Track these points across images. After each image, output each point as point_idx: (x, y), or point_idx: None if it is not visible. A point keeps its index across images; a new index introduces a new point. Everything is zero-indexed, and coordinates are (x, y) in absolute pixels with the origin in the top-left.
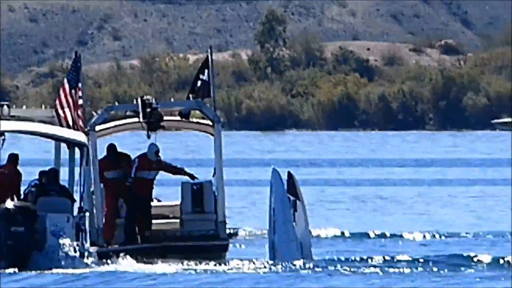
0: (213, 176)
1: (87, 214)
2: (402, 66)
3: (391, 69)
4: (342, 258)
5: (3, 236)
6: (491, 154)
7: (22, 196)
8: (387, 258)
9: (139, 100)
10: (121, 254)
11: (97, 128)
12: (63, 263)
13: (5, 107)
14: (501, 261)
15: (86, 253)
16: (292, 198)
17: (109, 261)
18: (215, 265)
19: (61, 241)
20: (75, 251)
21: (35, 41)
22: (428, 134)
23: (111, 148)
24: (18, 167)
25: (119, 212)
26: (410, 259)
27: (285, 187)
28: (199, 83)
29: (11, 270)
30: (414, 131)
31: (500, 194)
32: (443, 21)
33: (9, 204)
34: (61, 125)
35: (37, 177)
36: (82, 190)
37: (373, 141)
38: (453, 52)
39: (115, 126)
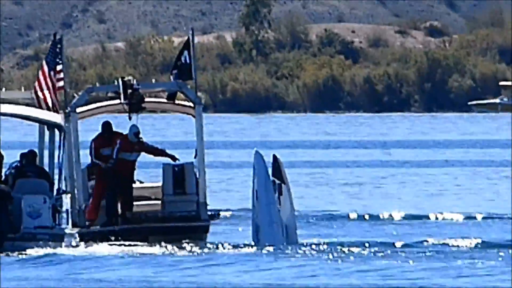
0: (194, 157)
1: (68, 195)
2: (387, 48)
3: (376, 51)
4: (327, 241)
5: None
6: (464, 135)
7: (3, 178)
8: (364, 240)
9: (120, 81)
10: (101, 236)
11: (78, 110)
12: (39, 244)
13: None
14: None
15: (63, 235)
16: (277, 181)
17: (88, 243)
18: (195, 246)
19: (38, 221)
20: (55, 230)
21: (20, 24)
22: (413, 116)
23: (106, 125)
24: (0, 150)
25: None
26: (384, 241)
27: (269, 170)
28: (179, 64)
29: None
30: (399, 113)
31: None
32: (428, 3)
33: None
34: (41, 107)
35: (18, 159)
36: (60, 172)
37: (358, 123)
38: (438, 34)
39: (97, 107)
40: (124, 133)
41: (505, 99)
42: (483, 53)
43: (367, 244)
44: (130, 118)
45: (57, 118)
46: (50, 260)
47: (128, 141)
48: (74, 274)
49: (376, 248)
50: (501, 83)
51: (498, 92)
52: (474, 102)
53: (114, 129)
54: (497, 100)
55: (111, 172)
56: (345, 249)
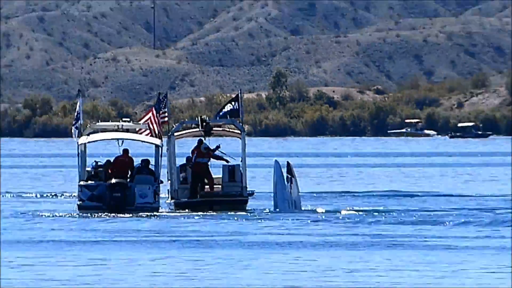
0: (240, 161)
1: (168, 182)
2: (353, 101)
3: (347, 102)
4: (324, 210)
5: (108, 198)
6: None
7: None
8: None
9: (199, 118)
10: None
11: (176, 134)
12: (147, 211)
13: (121, 122)
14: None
15: (159, 207)
16: (289, 176)
17: (180, 209)
18: (238, 212)
19: (145, 200)
20: (154, 204)
21: (146, 87)
22: (367, 139)
23: (204, 144)
24: (131, 157)
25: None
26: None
27: (284, 169)
28: (228, 108)
29: (114, 214)
30: (359, 137)
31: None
32: (376, 75)
33: (113, 180)
34: (152, 135)
35: (139, 163)
36: (159, 170)
37: (336, 143)
38: (381, 93)
39: (186, 132)
40: (198, 147)
41: (409, 129)
42: (406, 104)
43: (353, 211)
44: (204, 139)
45: (157, 141)
46: (155, 217)
47: (201, 152)
48: (168, 227)
49: (361, 213)
50: (406, 120)
51: (407, 125)
52: (392, 131)
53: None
54: (403, 130)
55: (192, 170)
56: (336, 215)
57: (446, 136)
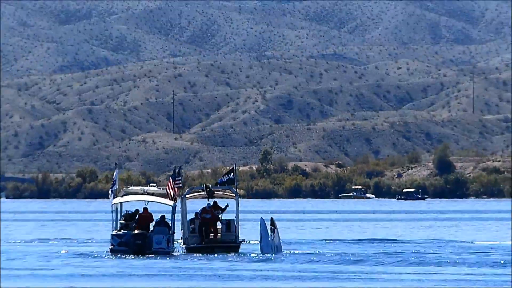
0: (235, 217)
1: (181, 231)
2: (320, 172)
3: (315, 173)
4: (298, 252)
5: (131, 244)
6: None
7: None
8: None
9: (204, 185)
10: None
11: (187, 196)
12: (161, 254)
13: (147, 187)
14: None
15: (171, 251)
16: (272, 227)
17: (190, 252)
18: (233, 254)
19: (160, 246)
20: (167, 249)
21: (167, 162)
22: (330, 200)
23: (208, 204)
24: (151, 213)
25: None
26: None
27: (267, 223)
28: (225, 178)
29: (136, 256)
30: (326, 199)
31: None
32: (337, 153)
33: (135, 231)
34: (169, 198)
35: (158, 218)
36: (173, 224)
37: (310, 203)
38: (341, 166)
39: (194, 195)
40: (204, 206)
41: (355, 193)
42: (359, 175)
43: (329, 254)
44: (208, 199)
45: (170, 202)
46: (165, 260)
47: (205, 209)
48: (179, 266)
49: (328, 255)
50: (353, 187)
51: (354, 190)
52: (342, 194)
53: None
54: (351, 194)
55: (200, 222)
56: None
57: (394, 199)
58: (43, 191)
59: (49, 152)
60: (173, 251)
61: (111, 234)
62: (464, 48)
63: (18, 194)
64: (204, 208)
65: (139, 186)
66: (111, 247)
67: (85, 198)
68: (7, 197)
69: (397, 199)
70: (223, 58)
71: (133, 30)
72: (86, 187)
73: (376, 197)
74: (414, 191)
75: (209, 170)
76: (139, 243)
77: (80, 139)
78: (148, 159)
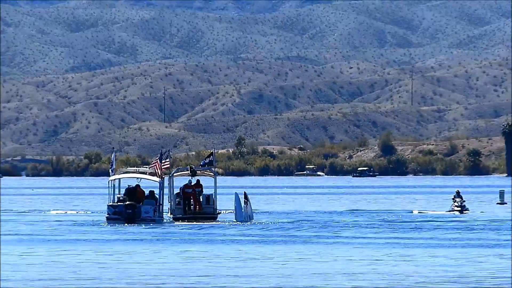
0: (213, 192)
1: (169, 203)
2: (285, 154)
3: (281, 155)
4: (272, 222)
5: (123, 213)
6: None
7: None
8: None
9: (188, 166)
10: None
11: (175, 174)
12: (149, 223)
13: (141, 167)
14: None
15: (156, 220)
16: (246, 200)
17: (175, 221)
18: (212, 222)
19: (147, 215)
20: (153, 217)
21: (159, 146)
22: (293, 177)
23: (190, 181)
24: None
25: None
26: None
27: (241, 197)
28: (206, 160)
29: (127, 224)
30: (290, 176)
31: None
32: (299, 139)
33: (127, 202)
34: (157, 175)
35: (147, 193)
36: (161, 197)
37: (274, 181)
38: (302, 150)
39: (180, 174)
40: (186, 183)
41: (308, 171)
42: (317, 156)
43: (288, 220)
44: (191, 177)
45: (157, 179)
46: (153, 228)
47: (187, 185)
48: (164, 232)
49: (287, 223)
50: (306, 166)
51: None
52: (297, 173)
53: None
54: (304, 172)
55: (183, 197)
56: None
57: (346, 176)
58: (57, 170)
59: (62, 138)
60: (160, 220)
61: (107, 205)
62: (404, 50)
63: (36, 173)
64: (186, 184)
65: (135, 167)
66: (107, 215)
67: (91, 176)
68: (27, 175)
69: (353, 176)
70: (206, 59)
71: (132, 36)
72: (92, 167)
73: (330, 175)
74: (367, 169)
75: (193, 153)
76: (129, 212)
77: (87, 127)
78: (143, 144)
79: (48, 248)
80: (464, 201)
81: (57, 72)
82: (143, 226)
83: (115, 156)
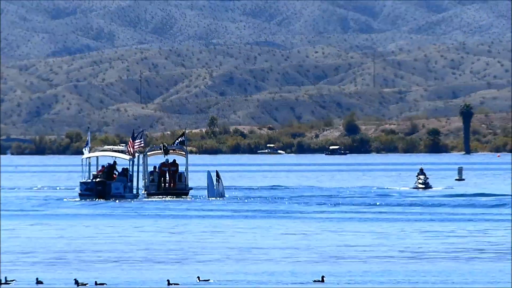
0: (185, 170)
1: (135, 182)
2: (255, 134)
3: (252, 135)
4: (241, 195)
5: (94, 189)
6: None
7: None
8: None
9: (161, 145)
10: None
11: (148, 153)
12: (119, 198)
13: (117, 146)
14: None
15: (126, 196)
16: (217, 178)
17: (149, 197)
18: (184, 199)
19: (118, 191)
20: (123, 194)
21: (135, 126)
22: (263, 155)
23: (167, 160)
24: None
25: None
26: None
27: (213, 175)
28: (179, 139)
29: (97, 200)
30: (258, 155)
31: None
32: (268, 119)
33: (97, 179)
34: (129, 154)
35: (120, 170)
36: (132, 175)
37: (245, 158)
38: (271, 129)
39: (154, 153)
40: (163, 161)
41: (269, 150)
42: (285, 135)
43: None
44: (165, 156)
45: (127, 157)
46: (123, 203)
47: (164, 163)
48: (135, 209)
49: (258, 198)
50: (267, 144)
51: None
52: (259, 151)
53: (159, 160)
54: (266, 150)
55: (159, 174)
56: (248, 199)
57: (323, 154)
58: (40, 149)
59: (44, 118)
60: (132, 196)
61: (80, 182)
62: (367, 36)
63: (20, 152)
64: (163, 163)
65: (112, 145)
66: (79, 192)
67: (72, 154)
68: (11, 154)
69: (325, 154)
70: (179, 45)
71: (109, 23)
72: (73, 146)
73: (298, 153)
74: (338, 147)
75: (168, 132)
76: (99, 188)
77: (68, 108)
78: (121, 124)
79: (24, 222)
80: (427, 178)
81: (39, 56)
82: (112, 201)
83: (90, 135)
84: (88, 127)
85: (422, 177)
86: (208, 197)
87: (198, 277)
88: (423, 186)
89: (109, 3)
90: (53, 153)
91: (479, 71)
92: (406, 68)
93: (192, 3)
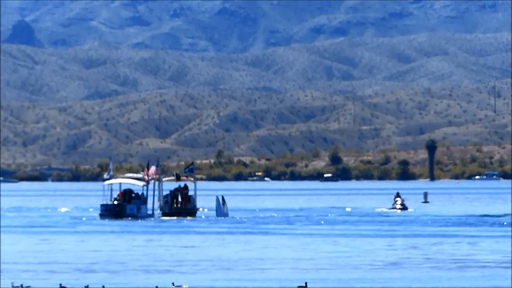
0: (193, 193)
1: (149, 204)
2: (255, 164)
3: (252, 165)
4: (245, 219)
5: (112, 210)
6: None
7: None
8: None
9: (174, 172)
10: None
11: (163, 179)
12: (132, 217)
13: (136, 174)
14: None
15: (139, 216)
16: (223, 201)
17: (164, 216)
18: (190, 217)
19: (131, 212)
20: (136, 214)
21: (156, 158)
22: (263, 182)
23: (180, 186)
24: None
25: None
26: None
27: (220, 199)
28: (189, 167)
29: (115, 219)
30: (260, 182)
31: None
32: (266, 152)
33: (115, 202)
34: (144, 180)
35: (134, 194)
36: (147, 198)
37: (247, 184)
38: (269, 160)
39: (168, 179)
40: (177, 187)
41: (255, 178)
42: (280, 165)
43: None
44: (177, 181)
45: (141, 183)
46: (140, 222)
47: (177, 188)
48: (152, 230)
49: (262, 217)
50: (256, 173)
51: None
52: (250, 178)
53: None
54: (254, 177)
55: (171, 196)
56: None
57: (318, 181)
58: (76, 176)
59: (80, 151)
60: (145, 215)
61: (100, 204)
62: (348, 82)
63: (59, 179)
64: (176, 188)
65: (137, 173)
66: (99, 212)
67: (102, 181)
68: (52, 181)
69: (320, 181)
70: (192, 89)
71: (133, 72)
72: (103, 174)
73: (291, 180)
74: (331, 175)
75: (183, 163)
76: (117, 209)
77: (100, 142)
78: (143, 155)
79: (50, 237)
80: (404, 200)
81: (75, 99)
82: (127, 220)
83: (112, 165)
84: (110, 158)
85: (399, 199)
86: (217, 216)
87: (173, 283)
88: (402, 207)
89: (134, 54)
90: (87, 180)
91: (442, 111)
92: (381, 109)
93: (203, 55)
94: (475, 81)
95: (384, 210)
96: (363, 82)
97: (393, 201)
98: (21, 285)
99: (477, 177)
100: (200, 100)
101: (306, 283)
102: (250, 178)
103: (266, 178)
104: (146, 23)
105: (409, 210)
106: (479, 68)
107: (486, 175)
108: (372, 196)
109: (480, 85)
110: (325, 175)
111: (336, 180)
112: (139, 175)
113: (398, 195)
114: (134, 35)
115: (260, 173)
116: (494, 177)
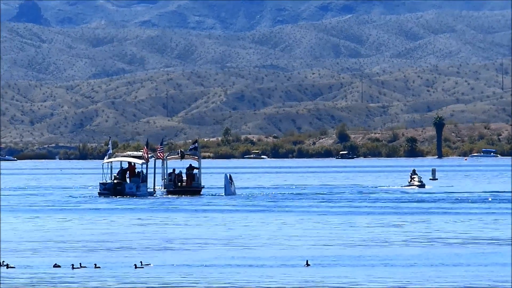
0: (198, 171)
1: (148, 183)
2: (263, 141)
3: (260, 142)
4: (253, 194)
5: (112, 189)
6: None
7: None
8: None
9: (179, 151)
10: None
11: (168, 157)
12: (131, 196)
13: (135, 152)
14: None
15: (138, 194)
16: (230, 180)
17: (168, 194)
18: (196, 196)
19: (131, 190)
20: (135, 192)
21: (163, 135)
22: (269, 159)
23: (190, 165)
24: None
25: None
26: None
27: (228, 177)
28: (193, 146)
29: (114, 197)
30: (266, 159)
31: None
32: (273, 130)
33: (115, 180)
34: (143, 159)
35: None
36: (145, 176)
37: (254, 162)
38: (276, 138)
39: (173, 157)
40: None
41: (254, 155)
42: (287, 143)
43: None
44: (181, 160)
45: (140, 162)
46: (141, 200)
47: (180, 173)
48: (153, 206)
49: (265, 195)
50: (253, 151)
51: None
52: (246, 156)
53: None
54: (252, 155)
55: (174, 176)
56: (254, 196)
57: (334, 158)
58: (83, 155)
59: (87, 129)
60: (145, 194)
61: (99, 183)
62: (355, 60)
63: (67, 157)
64: (183, 171)
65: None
66: (98, 191)
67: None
68: (59, 159)
69: (336, 158)
70: (199, 68)
71: (141, 50)
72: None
73: (298, 157)
74: (347, 152)
75: (190, 141)
76: (118, 188)
77: (107, 121)
78: (150, 134)
79: (48, 217)
80: (421, 177)
81: (82, 78)
82: (132, 199)
83: (111, 142)
84: (109, 137)
85: (416, 177)
86: (225, 194)
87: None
88: (419, 184)
89: (141, 33)
90: (94, 158)
91: (449, 89)
92: (389, 87)
93: (210, 33)
94: (482, 58)
95: (401, 187)
96: (370, 59)
97: (409, 178)
98: (3, 262)
99: (474, 154)
100: (207, 78)
101: (307, 261)
102: (246, 156)
103: (263, 156)
104: (153, 1)
105: (426, 187)
106: (486, 45)
107: (483, 152)
108: (386, 174)
109: (488, 62)
110: (341, 153)
111: (352, 158)
112: (138, 153)
113: (414, 172)
114: (141, 13)
115: (257, 151)
116: (492, 154)
